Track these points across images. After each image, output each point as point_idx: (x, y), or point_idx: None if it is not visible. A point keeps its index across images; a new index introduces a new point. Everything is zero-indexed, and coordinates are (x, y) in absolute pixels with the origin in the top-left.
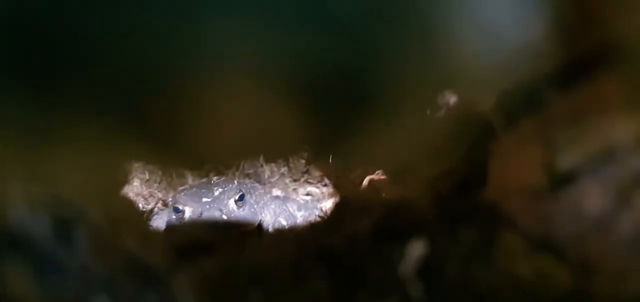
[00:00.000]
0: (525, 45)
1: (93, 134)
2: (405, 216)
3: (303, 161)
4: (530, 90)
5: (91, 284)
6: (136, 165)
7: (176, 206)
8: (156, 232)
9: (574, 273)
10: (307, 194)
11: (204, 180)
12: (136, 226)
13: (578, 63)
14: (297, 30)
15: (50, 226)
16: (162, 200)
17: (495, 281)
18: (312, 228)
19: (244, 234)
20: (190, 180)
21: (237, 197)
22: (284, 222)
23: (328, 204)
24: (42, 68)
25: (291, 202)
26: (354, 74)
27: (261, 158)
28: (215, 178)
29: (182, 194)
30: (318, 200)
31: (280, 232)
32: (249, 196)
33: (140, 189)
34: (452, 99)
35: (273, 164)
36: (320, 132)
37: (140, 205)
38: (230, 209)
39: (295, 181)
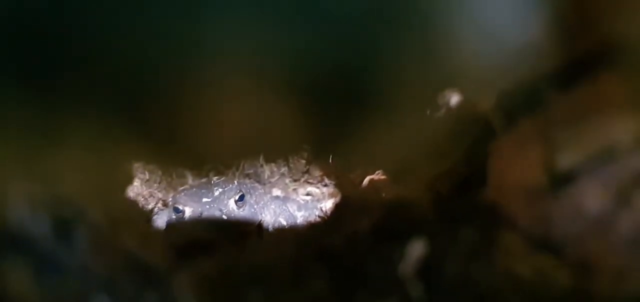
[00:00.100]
0: (525, 45)
1: (93, 134)
2: (405, 216)
3: (303, 161)
4: (530, 90)
5: (91, 284)
6: (136, 165)
7: (176, 206)
8: (156, 232)
9: (573, 273)
10: (307, 194)
11: (204, 180)
12: (136, 226)
13: (578, 63)
14: (297, 30)
15: (50, 226)
16: (162, 200)
17: (495, 281)
18: (312, 228)
19: (244, 234)
20: (190, 180)
21: (237, 197)
22: (284, 222)
23: (328, 204)
24: (42, 68)
25: (291, 202)
26: (354, 74)
27: (261, 158)
28: (215, 178)
29: (182, 194)
30: (318, 200)
31: (280, 232)
32: (249, 196)
33: (140, 189)
34: (452, 99)
35: (273, 164)
36: (320, 132)
37: (140, 205)
38: (230, 209)
39: (295, 181)
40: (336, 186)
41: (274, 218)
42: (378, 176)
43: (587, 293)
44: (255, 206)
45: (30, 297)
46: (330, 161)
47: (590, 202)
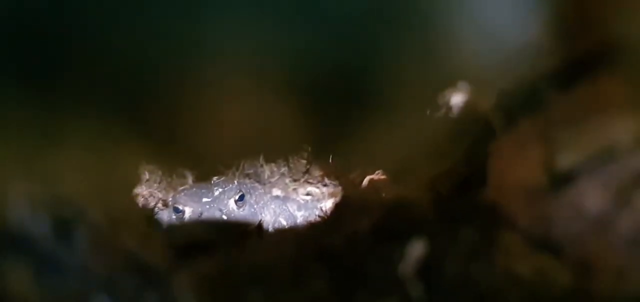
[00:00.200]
0: (525, 45)
1: (93, 134)
2: (405, 216)
3: (303, 161)
4: (530, 90)
5: (91, 284)
6: (137, 165)
7: (176, 206)
8: (156, 232)
9: (573, 273)
10: (307, 194)
11: (204, 180)
12: (136, 226)
13: (578, 63)
14: (297, 30)
15: (50, 226)
16: (162, 200)
17: (495, 280)
18: (312, 228)
19: (244, 234)
20: (190, 180)
21: (237, 197)
22: (284, 222)
23: (328, 204)
24: (42, 68)
25: (291, 202)
26: (354, 74)
27: (261, 158)
28: (215, 178)
29: (182, 194)
30: (318, 200)
31: (280, 232)
32: (249, 196)
33: (140, 189)
34: (453, 99)
35: (273, 164)
36: (320, 132)
37: (140, 205)
38: (230, 209)
39: (295, 181)
40: (336, 186)
41: (274, 218)
42: (378, 176)
43: (587, 293)
44: (255, 206)
45: (30, 297)
46: (330, 160)
47: (590, 202)
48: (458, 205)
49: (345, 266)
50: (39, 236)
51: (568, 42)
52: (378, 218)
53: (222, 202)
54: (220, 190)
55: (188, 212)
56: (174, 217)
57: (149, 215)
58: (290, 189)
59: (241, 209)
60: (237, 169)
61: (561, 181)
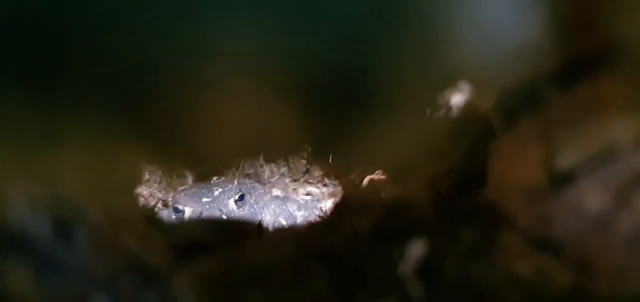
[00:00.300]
0: (525, 45)
1: (93, 134)
2: (405, 215)
3: (303, 161)
4: (530, 90)
5: (91, 284)
6: (137, 165)
7: (176, 206)
8: (156, 232)
9: (573, 272)
10: (307, 194)
11: (204, 180)
12: (136, 226)
13: (578, 63)
14: (297, 30)
15: (50, 226)
16: (162, 200)
17: (495, 280)
18: (312, 228)
19: (244, 234)
20: (190, 180)
21: (237, 197)
22: (284, 222)
23: (328, 204)
24: (42, 68)
25: (291, 202)
26: (354, 74)
27: (261, 158)
28: (215, 178)
29: (182, 194)
30: (318, 200)
31: (280, 232)
32: (249, 196)
33: (140, 189)
34: (453, 99)
35: (273, 164)
36: (320, 132)
37: (140, 205)
38: (230, 209)
39: (295, 181)
40: (336, 186)
41: (274, 218)
42: (378, 176)
43: (587, 293)
44: (255, 206)
45: (30, 297)
46: (330, 160)
47: (590, 202)
48: (458, 205)
49: (345, 266)
50: (39, 236)
51: (568, 42)
52: (378, 218)
53: (222, 202)
54: (220, 190)
55: (188, 212)
56: (174, 217)
57: (149, 215)
58: (290, 189)
59: (241, 209)
60: (237, 169)
61: (561, 181)
